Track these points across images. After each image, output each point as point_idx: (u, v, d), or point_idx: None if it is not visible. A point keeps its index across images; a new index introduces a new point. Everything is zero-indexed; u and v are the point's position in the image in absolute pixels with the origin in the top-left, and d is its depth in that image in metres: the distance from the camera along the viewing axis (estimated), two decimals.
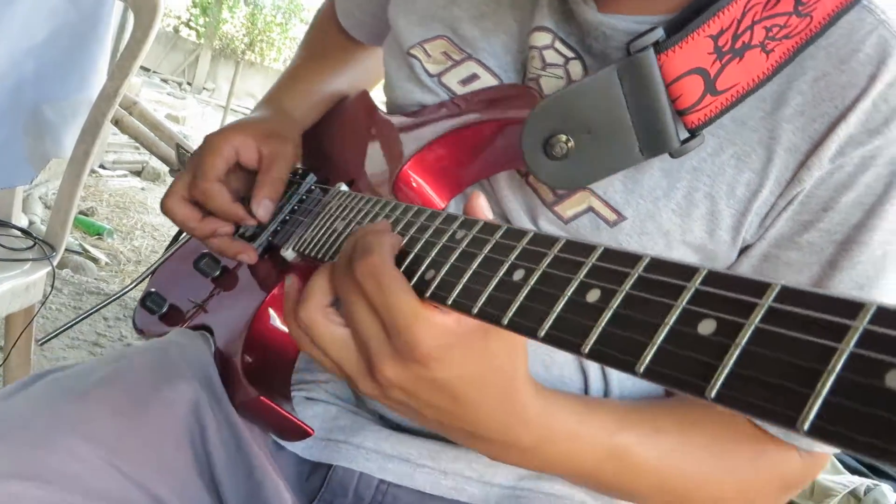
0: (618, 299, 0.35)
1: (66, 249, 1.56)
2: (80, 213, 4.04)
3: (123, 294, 0.97)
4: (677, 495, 0.61)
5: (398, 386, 0.47)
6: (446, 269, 0.45)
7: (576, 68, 0.65)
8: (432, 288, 0.45)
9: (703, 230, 0.62)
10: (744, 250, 0.63)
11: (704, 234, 0.62)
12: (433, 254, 0.47)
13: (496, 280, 0.41)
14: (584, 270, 0.38)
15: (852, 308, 0.26)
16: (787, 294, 0.29)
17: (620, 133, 0.58)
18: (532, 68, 0.67)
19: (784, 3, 0.58)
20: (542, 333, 0.37)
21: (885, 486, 1.81)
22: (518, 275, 0.41)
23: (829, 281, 0.59)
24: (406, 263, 0.48)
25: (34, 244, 1.45)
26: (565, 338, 0.36)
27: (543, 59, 0.66)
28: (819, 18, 0.58)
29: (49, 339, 0.92)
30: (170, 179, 5.28)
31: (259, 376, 0.66)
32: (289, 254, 0.69)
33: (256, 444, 0.66)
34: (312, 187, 0.80)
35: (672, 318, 0.32)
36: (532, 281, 0.39)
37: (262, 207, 0.75)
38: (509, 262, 0.42)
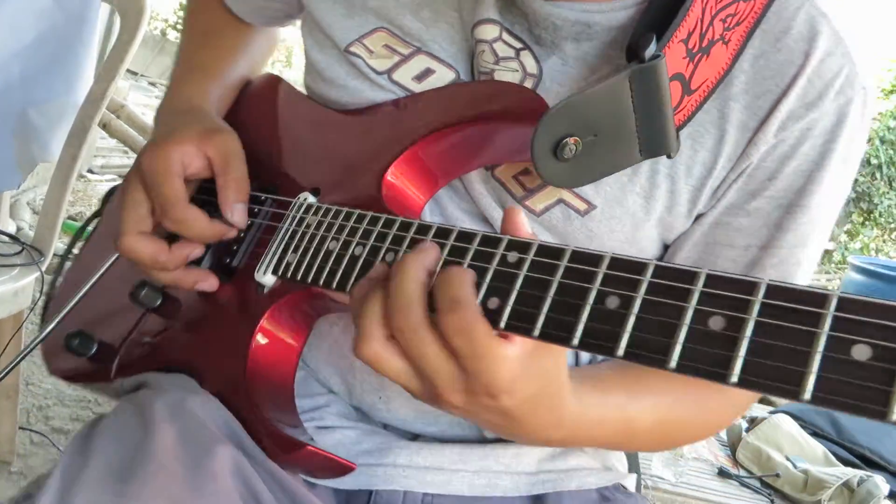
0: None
1: (55, 255, 1.54)
2: (69, 218, 4.01)
3: (49, 334, 0.80)
4: (670, 439, 0.70)
5: (464, 409, 0.49)
6: (514, 297, 0.45)
7: (528, 60, 0.66)
8: (505, 319, 0.45)
9: (663, 207, 0.66)
10: (697, 218, 0.68)
11: (664, 210, 0.66)
12: (488, 279, 0.47)
13: (587, 309, 0.42)
14: (695, 296, 0.40)
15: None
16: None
17: (625, 136, 0.59)
18: (483, 62, 0.66)
19: None
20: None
21: (877, 478, 1.83)
22: (612, 302, 0.42)
23: (776, 241, 0.65)
24: None
25: (22, 249, 1.44)
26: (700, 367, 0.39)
27: (496, 52, 0.65)
28: (759, 2, 0.62)
29: (35, 346, 0.80)
30: None
31: (278, 418, 0.62)
32: (268, 279, 0.64)
33: (296, 485, 0.63)
34: (263, 198, 0.72)
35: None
36: (634, 309, 0.41)
37: (237, 213, 0.68)
38: (595, 290, 0.43)
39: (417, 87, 0.69)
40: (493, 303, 0.46)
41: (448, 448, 0.70)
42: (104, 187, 5.21)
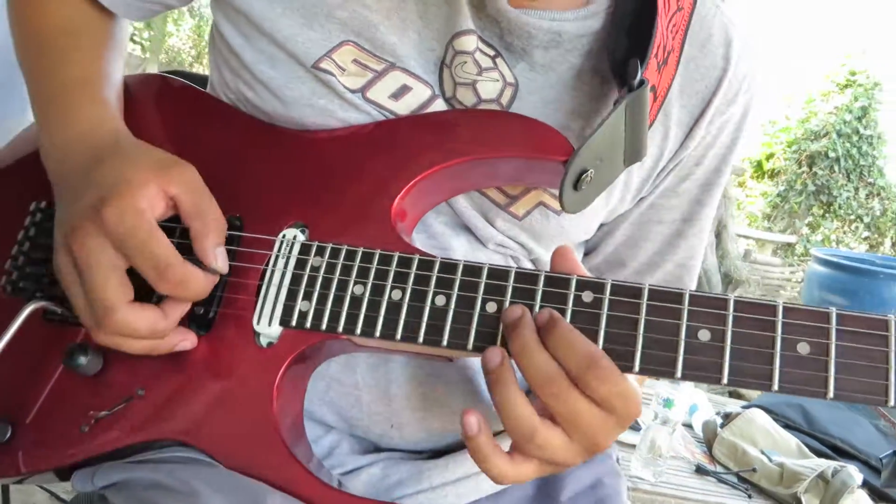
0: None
1: None
2: None
3: None
4: None
5: (604, 446, 0.52)
6: (603, 335, 0.51)
7: (504, 68, 0.67)
8: (638, 362, 0.51)
9: (617, 197, 0.73)
10: (639, 202, 0.77)
11: (618, 201, 0.74)
12: (568, 320, 0.52)
13: (683, 343, 0.50)
14: (779, 326, 0.48)
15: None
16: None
17: (617, 154, 0.64)
18: (464, 73, 0.66)
19: (672, 2, 0.66)
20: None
21: (850, 468, 1.85)
22: (704, 335, 0.49)
23: (696, 214, 0.77)
24: None
25: None
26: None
27: (478, 63, 0.66)
28: (687, 8, 0.68)
29: None
30: None
31: (308, 467, 0.58)
32: (273, 330, 0.58)
33: None
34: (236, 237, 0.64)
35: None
36: (728, 340, 0.49)
37: (220, 258, 0.59)
38: (685, 325, 0.50)
39: (395, 106, 0.66)
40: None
41: (464, 455, 0.72)
42: None
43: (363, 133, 0.65)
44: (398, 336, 0.54)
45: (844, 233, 7.92)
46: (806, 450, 2.07)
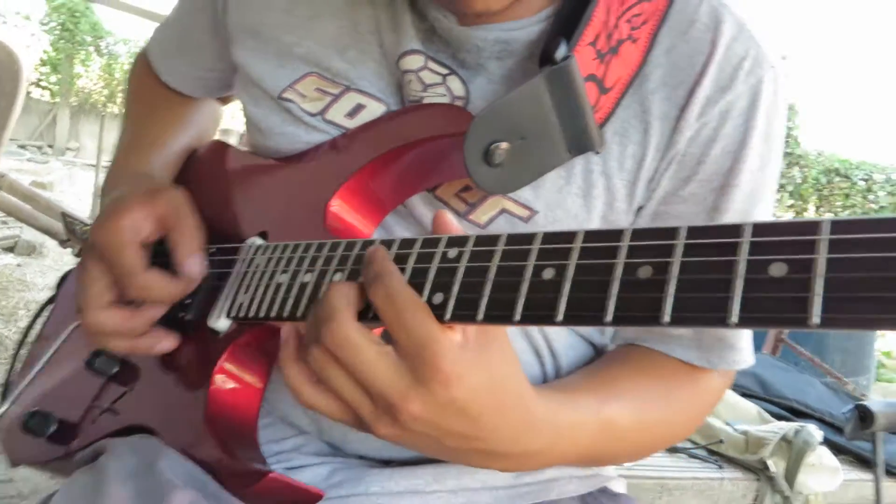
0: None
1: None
2: None
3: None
4: (647, 445, 0.69)
5: (422, 418, 0.47)
6: (457, 288, 0.47)
7: (454, 83, 0.68)
8: (450, 310, 0.46)
9: (603, 204, 0.67)
10: (638, 211, 0.70)
11: (605, 207, 0.68)
12: (431, 277, 0.48)
13: (526, 284, 0.44)
14: (623, 251, 0.41)
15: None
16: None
17: (551, 136, 0.62)
18: (412, 91, 0.68)
19: None
20: (609, 318, 0.41)
21: (810, 426, 1.92)
22: (548, 273, 0.43)
23: (715, 222, 0.66)
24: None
25: None
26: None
27: (422, 81, 0.68)
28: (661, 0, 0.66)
29: None
30: (49, 251, 4.98)
31: (242, 454, 0.62)
32: (222, 322, 0.65)
33: None
34: (213, 249, 0.73)
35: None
36: (569, 275, 0.42)
37: (193, 264, 0.68)
38: (531, 265, 0.44)
39: (350, 123, 0.71)
40: (438, 298, 0.47)
41: (421, 469, 0.69)
42: None
43: (319, 149, 0.73)
44: (299, 314, 0.56)
45: None
46: (766, 415, 2.14)
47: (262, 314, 0.60)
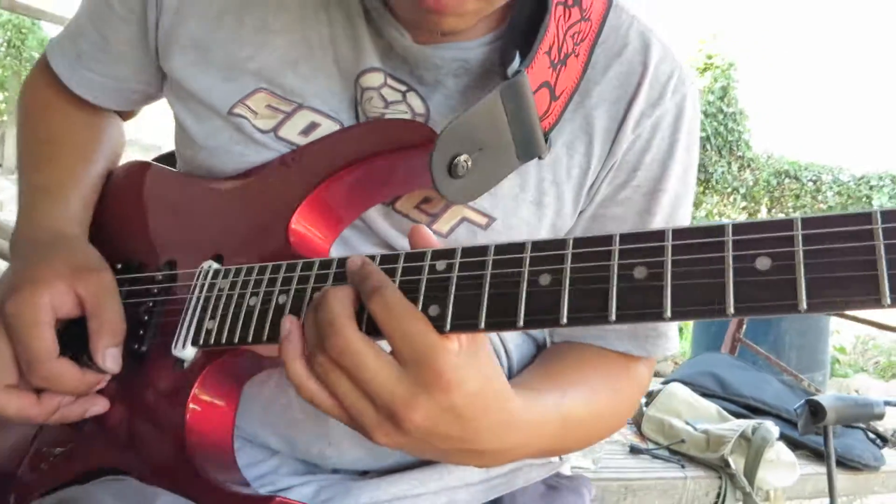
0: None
1: None
2: None
3: None
4: (597, 434, 0.73)
5: (423, 425, 0.48)
6: (453, 300, 0.48)
7: (415, 101, 0.69)
8: (449, 321, 0.48)
9: (553, 212, 0.71)
10: (579, 215, 0.75)
11: (554, 215, 0.72)
12: (423, 290, 0.50)
13: (525, 290, 0.46)
14: (616, 254, 0.44)
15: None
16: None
17: (503, 145, 0.65)
18: (373, 108, 0.69)
19: (575, 11, 0.69)
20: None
21: (767, 423, 1.97)
22: (545, 279, 0.46)
23: (646, 224, 0.73)
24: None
25: None
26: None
27: (384, 98, 0.68)
28: (595, 20, 0.71)
29: None
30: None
31: (231, 481, 0.61)
32: (187, 352, 0.62)
33: None
34: (160, 276, 0.70)
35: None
36: (567, 279, 0.45)
37: (110, 359, 0.64)
38: (526, 271, 0.46)
39: (304, 141, 0.70)
40: (434, 310, 0.49)
41: (406, 475, 0.71)
42: None
43: (267, 167, 0.71)
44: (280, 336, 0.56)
45: (725, 206, 8.41)
46: (725, 413, 2.19)
47: (235, 339, 0.58)
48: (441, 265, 0.50)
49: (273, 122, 0.70)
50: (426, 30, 0.66)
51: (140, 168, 0.83)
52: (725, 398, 2.41)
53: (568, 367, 0.73)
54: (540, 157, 0.68)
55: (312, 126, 0.70)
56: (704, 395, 2.37)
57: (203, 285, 0.65)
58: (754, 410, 2.36)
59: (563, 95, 0.69)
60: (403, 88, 0.69)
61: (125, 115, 0.92)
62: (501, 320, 0.46)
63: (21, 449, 0.71)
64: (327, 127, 0.70)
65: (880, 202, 8.50)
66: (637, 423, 2.17)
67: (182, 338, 0.63)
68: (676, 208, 0.74)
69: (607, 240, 0.45)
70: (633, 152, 0.72)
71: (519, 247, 0.48)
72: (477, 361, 0.50)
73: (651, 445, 2.06)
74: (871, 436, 2.36)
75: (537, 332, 0.80)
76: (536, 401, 0.60)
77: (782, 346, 4.05)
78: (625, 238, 0.44)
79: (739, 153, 8.37)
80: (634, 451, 1.99)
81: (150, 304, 0.69)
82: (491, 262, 0.48)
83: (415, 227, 0.54)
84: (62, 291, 0.64)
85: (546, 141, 0.68)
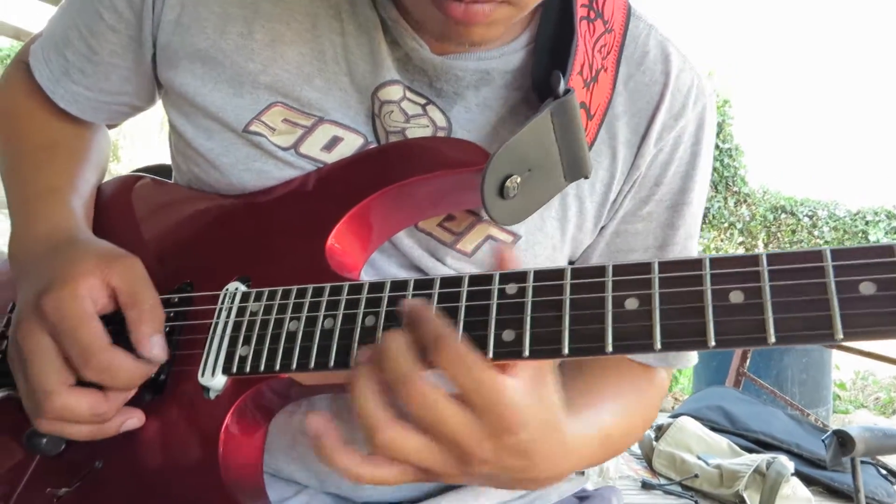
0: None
1: None
2: None
3: None
4: (626, 444, 0.71)
5: (490, 462, 0.47)
6: (529, 323, 0.46)
7: (436, 114, 0.67)
8: (528, 346, 0.46)
9: (574, 227, 0.70)
10: (600, 231, 0.73)
11: (576, 230, 0.70)
12: (495, 314, 0.48)
13: (610, 315, 0.44)
14: (708, 278, 0.43)
15: (697, 263, 0.43)
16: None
17: (552, 166, 0.64)
18: (393, 122, 0.67)
19: (598, 23, 0.68)
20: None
21: (781, 458, 1.94)
22: (632, 303, 0.44)
23: (670, 238, 0.72)
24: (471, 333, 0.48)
25: None
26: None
27: (405, 112, 0.67)
28: (618, 30, 0.70)
29: None
30: None
31: None
32: (217, 381, 0.58)
33: None
34: (175, 299, 0.66)
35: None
36: (657, 304, 0.43)
37: (157, 346, 0.59)
38: (610, 297, 0.45)
39: (328, 157, 0.67)
40: (509, 335, 0.47)
41: (444, 499, 0.69)
42: None
43: (295, 184, 0.68)
44: (331, 363, 0.53)
45: (722, 240, 8.43)
46: (737, 448, 2.16)
47: (276, 366, 0.55)
48: (512, 289, 0.48)
49: (292, 137, 0.67)
50: (454, 41, 0.63)
51: (138, 182, 0.78)
52: (735, 433, 2.38)
53: (601, 379, 0.72)
54: (585, 177, 0.66)
55: (335, 140, 0.67)
56: (713, 429, 2.34)
57: (230, 309, 0.61)
58: (764, 445, 2.33)
59: (598, 113, 0.68)
60: (423, 101, 0.67)
61: (108, 124, 0.87)
62: (588, 346, 0.45)
63: (4, 490, 0.65)
64: (350, 141, 0.67)
65: (876, 237, 8.55)
66: (648, 457, 2.14)
67: (210, 365, 0.59)
68: (696, 219, 0.74)
69: (697, 263, 0.44)
70: (656, 165, 0.71)
71: (599, 270, 0.46)
72: (539, 396, 0.49)
73: (663, 481, 2.03)
74: (883, 472, 2.33)
75: None
76: (579, 422, 0.59)
77: (785, 381, 4.02)
78: (716, 262, 0.43)
79: (735, 188, 8.42)
80: (647, 486, 1.95)
81: (167, 329, 0.64)
82: (569, 287, 0.47)
83: (499, 247, 0.53)
84: (96, 286, 0.60)
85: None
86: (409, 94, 0.67)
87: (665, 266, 0.45)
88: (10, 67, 0.84)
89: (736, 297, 0.42)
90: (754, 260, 0.42)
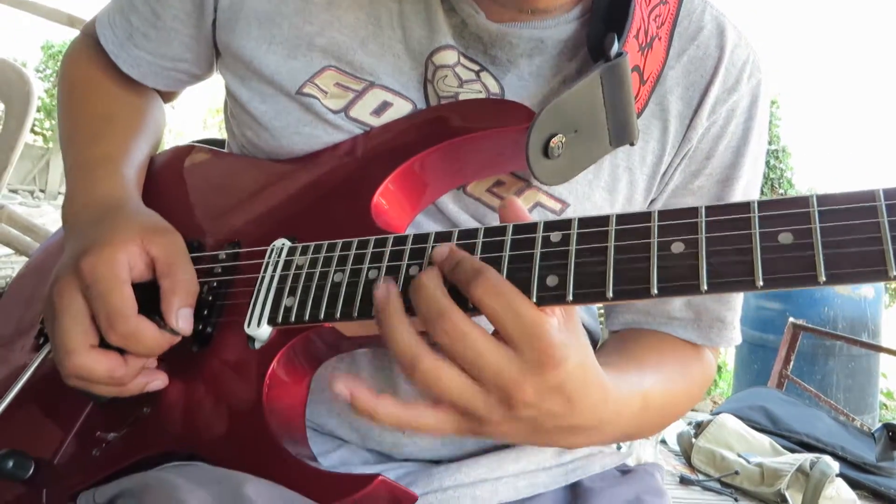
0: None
1: None
2: None
3: None
4: (670, 417, 0.71)
5: (533, 403, 0.47)
6: (573, 268, 0.47)
7: (489, 80, 0.68)
8: (571, 290, 0.46)
9: (624, 198, 0.71)
10: (650, 204, 0.73)
11: (625, 201, 0.71)
12: (538, 261, 0.48)
13: (655, 257, 0.44)
14: (756, 221, 0.43)
15: (745, 206, 0.43)
16: (712, 209, 0.45)
17: (598, 129, 0.64)
18: (446, 87, 0.67)
19: None
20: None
21: (826, 458, 1.89)
22: (678, 247, 0.44)
23: None
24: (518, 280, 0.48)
25: None
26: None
27: (459, 76, 0.67)
28: (673, 3, 0.70)
29: None
30: None
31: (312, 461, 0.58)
32: (263, 331, 0.59)
33: None
34: (223, 255, 0.68)
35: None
36: (703, 246, 0.43)
37: (183, 319, 0.61)
38: (655, 241, 0.45)
39: (376, 122, 0.69)
40: (553, 280, 0.47)
41: (483, 459, 0.69)
42: None
43: (343, 147, 0.69)
44: (374, 312, 0.52)
45: None
46: (780, 447, 2.10)
47: (321, 315, 0.56)
48: (556, 236, 0.48)
49: (343, 101, 0.69)
50: (518, 7, 0.64)
51: (190, 151, 0.82)
52: (777, 434, 2.32)
53: (644, 349, 0.72)
54: (632, 144, 0.66)
55: (385, 105, 0.68)
56: (755, 429, 2.28)
57: (277, 263, 0.62)
58: (807, 447, 2.27)
59: (650, 79, 0.68)
60: (476, 68, 0.68)
61: (166, 96, 0.90)
62: (632, 288, 0.44)
63: (57, 435, 0.67)
64: (399, 106, 0.68)
65: None
66: (686, 454, 2.10)
67: (256, 316, 0.60)
68: (748, 195, 0.73)
69: (745, 207, 0.44)
70: (708, 139, 0.71)
71: (645, 216, 0.46)
72: (576, 337, 0.48)
73: (701, 477, 1.98)
74: None
75: (591, 322, 0.81)
76: (621, 378, 0.58)
77: (829, 386, 3.93)
78: (764, 205, 0.43)
79: (782, 190, 8.27)
80: (685, 481, 1.92)
81: (214, 285, 0.66)
82: (614, 233, 0.47)
83: (509, 199, 0.52)
84: (136, 253, 0.62)
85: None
86: (463, 60, 0.68)
87: (712, 210, 0.45)
88: (75, 39, 0.87)
89: (785, 238, 0.42)
90: (804, 202, 0.42)
